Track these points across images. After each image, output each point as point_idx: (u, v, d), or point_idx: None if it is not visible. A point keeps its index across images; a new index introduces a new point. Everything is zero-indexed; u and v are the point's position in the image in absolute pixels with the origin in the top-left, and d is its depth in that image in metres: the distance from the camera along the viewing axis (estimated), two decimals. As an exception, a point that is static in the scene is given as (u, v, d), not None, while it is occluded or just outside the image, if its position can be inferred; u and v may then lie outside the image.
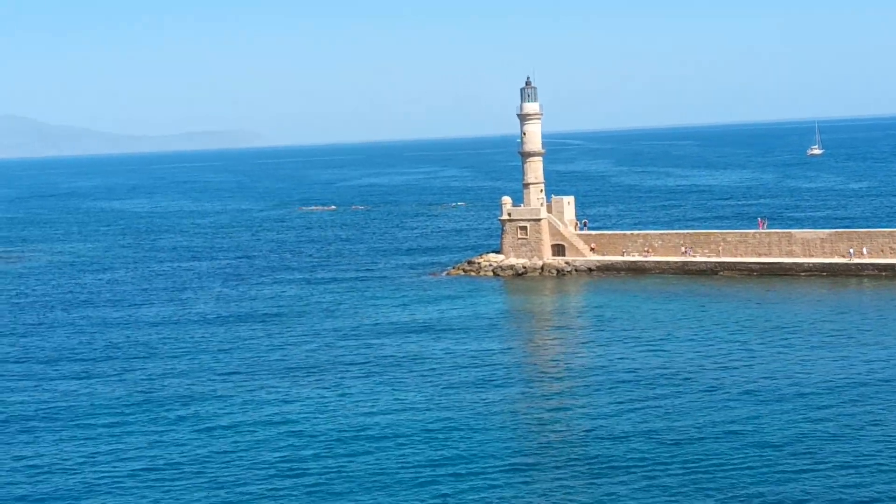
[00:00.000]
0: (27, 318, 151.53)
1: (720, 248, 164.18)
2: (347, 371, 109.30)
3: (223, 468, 79.68)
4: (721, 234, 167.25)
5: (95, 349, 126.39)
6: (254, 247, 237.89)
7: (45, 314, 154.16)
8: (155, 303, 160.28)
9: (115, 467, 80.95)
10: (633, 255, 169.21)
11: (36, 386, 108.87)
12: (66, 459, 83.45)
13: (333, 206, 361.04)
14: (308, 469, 78.67)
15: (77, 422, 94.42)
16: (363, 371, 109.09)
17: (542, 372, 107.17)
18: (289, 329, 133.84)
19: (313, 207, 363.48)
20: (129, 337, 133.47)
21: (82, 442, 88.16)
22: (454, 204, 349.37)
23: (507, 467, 77.34)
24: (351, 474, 77.17)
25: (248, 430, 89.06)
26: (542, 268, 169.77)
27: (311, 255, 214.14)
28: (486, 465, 77.78)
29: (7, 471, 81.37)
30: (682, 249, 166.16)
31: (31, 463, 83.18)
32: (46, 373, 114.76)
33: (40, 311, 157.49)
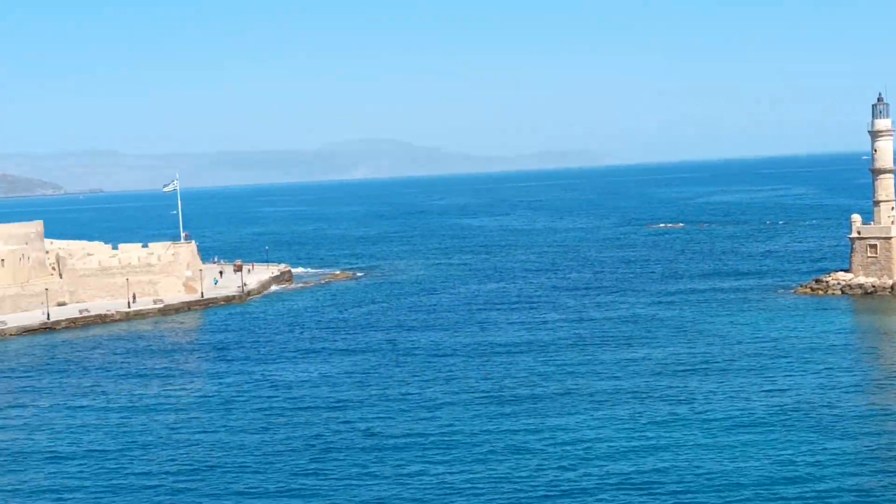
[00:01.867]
0: (377, 326, 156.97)
1: None
2: (703, 388, 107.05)
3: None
4: None
5: (449, 353, 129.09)
6: (601, 263, 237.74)
7: (404, 322, 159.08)
8: (506, 316, 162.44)
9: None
10: None
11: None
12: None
13: (681, 224, 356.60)
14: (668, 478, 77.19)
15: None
16: (718, 386, 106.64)
17: None
18: (641, 345, 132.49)
19: (661, 225, 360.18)
20: (484, 351, 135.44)
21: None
22: (802, 222, 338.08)
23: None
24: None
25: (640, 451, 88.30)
26: (892, 287, 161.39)
27: (657, 272, 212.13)
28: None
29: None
30: None
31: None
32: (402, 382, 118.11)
33: (392, 325, 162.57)
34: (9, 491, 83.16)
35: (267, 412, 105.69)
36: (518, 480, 79.96)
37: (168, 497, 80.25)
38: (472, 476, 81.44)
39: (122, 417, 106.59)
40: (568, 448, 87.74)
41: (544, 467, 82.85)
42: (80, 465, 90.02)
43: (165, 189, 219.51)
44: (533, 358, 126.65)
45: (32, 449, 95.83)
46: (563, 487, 78.02)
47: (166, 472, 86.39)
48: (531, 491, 77.63)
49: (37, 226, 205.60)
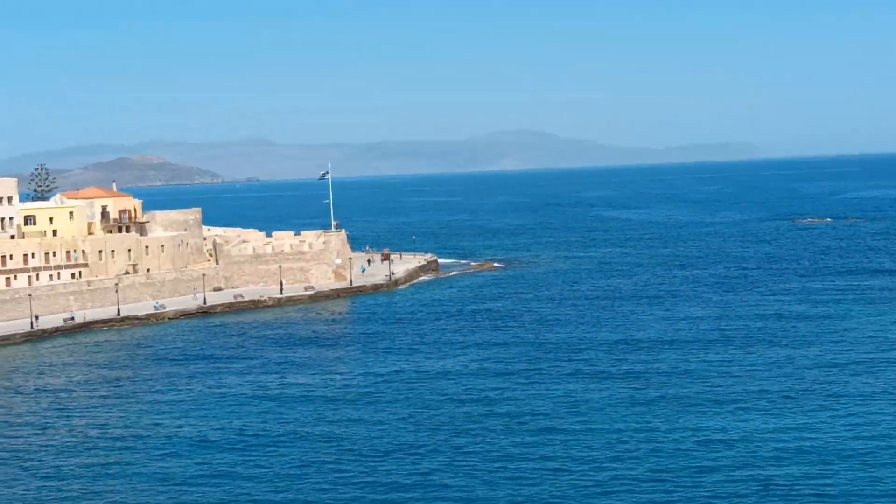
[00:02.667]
0: (521, 317, 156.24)
1: None
2: (855, 388, 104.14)
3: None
4: None
5: (591, 347, 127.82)
6: (745, 258, 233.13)
7: (540, 314, 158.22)
8: (647, 310, 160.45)
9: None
10: None
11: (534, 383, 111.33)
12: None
13: (829, 219, 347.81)
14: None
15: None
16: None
17: None
18: (786, 343, 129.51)
19: (808, 219, 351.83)
20: (626, 347, 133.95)
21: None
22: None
23: None
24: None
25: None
26: None
27: (803, 268, 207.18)
28: None
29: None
30: None
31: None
32: (555, 367, 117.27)
33: (533, 312, 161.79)
34: (159, 477, 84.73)
35: (410, 402, 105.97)
36: (663, 481, 78.66)
37: (315, 483, 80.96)
38: (613, 474, 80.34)
39: (273, 405, 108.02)
40: (715, 449, 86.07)
41: (687, 468, 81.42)
42: (230, 451, 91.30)
43: (322, 177, 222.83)
44: (675, 354, 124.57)
45: (183, 434, 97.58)
46: (705, 489, 76.62)
47: (313, 462, 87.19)
48: (676, 492, 76.33)
49: (195, 213, 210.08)
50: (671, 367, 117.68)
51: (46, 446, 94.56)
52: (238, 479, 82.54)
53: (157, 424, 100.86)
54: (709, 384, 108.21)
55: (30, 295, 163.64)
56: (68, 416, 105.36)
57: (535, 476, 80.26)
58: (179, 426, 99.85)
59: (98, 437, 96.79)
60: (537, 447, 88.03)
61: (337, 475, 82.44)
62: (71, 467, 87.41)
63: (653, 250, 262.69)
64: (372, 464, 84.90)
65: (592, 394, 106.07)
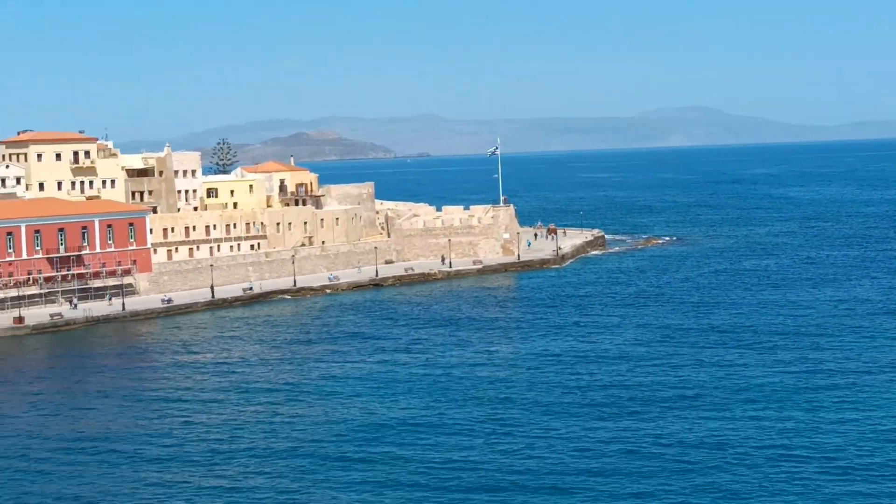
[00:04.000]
0: (687, 297, 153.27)
1: None
2: None
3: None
4: None
5: (755, 330, 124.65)
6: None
7: (704, 294, 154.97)
8: (818, 292, 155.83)
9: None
10: None
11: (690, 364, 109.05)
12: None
13: None
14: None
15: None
16: None
17: None
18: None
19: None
20: (790, 321, 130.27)
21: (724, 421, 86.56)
22: None
23: None
24: None
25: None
26: None
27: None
28: None
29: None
30: None
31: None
32: (709, 347, 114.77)
33: (699, 291, 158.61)
34: (334, 457, 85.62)
35: (573, 377, 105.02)
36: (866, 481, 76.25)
37: (480, 452, 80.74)
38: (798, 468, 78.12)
39: (442, 374, 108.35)
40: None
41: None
42: (396, 426, 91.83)
43: (489, 152, 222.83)
44: (853, 339, 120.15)
45: (350, 406, 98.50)
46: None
47: (475, 446, 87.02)
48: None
49: (368, 187, 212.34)
50: (844, 353, 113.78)
51: (222, 417, 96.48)
52: (406, 461, 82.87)
53: (329, 397, 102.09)
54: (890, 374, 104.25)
55: (211, 265, 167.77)
56: (245, 387, 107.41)
57: (703, 459, 78.58)
58: (344, 399, 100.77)
59: (274, 412, 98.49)
60: (710, 433, 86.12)
61: (494, 459, 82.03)
62: (248, 438, 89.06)
63: (818, 229, 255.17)
64: (537, 433, 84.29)
65: (763, 378, 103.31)
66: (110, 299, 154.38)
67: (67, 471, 79.88)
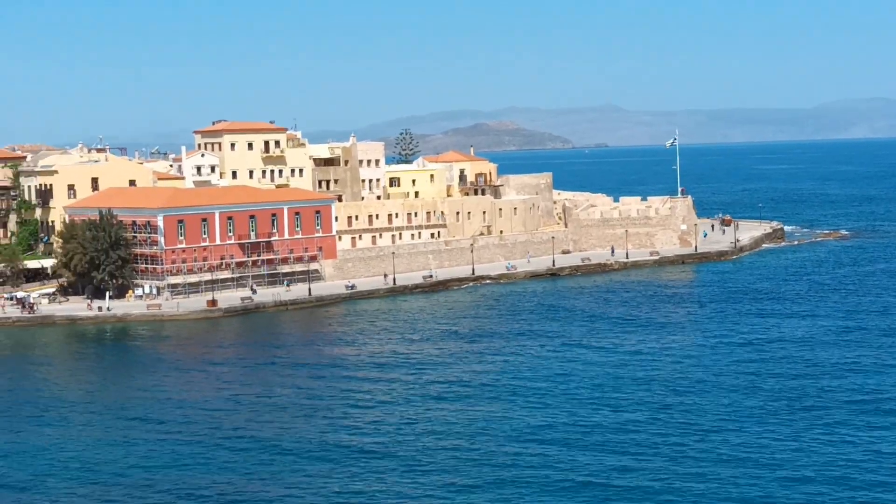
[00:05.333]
0: (868, 292, 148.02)
1: None
2: None
3: None
4: None
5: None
6: None
7: (890, 291, 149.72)
8: None
9: None
10: None
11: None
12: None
13: None
14: None
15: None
16: None
17: None
18: None
19: None
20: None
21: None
22: None
23: None
24: None
25: None
26: None
27: None
28: None
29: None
30: None
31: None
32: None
33: (884, 287, 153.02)
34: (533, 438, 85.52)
35: (747, 370, 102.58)
36: None
37: (622, 444, 79.59)
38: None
39: (619, 365, 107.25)
40: None
41: None
42: (564, 412, 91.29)
43: (668, 144, 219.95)
44: None
45: (518, 393, 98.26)
46: None
47: (629, 420, 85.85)
48: None
49: (546, 177, 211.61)
50: None
51: (401, 399, 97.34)
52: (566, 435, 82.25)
53: (506, 385, 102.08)
54: None
55: (393, 253, 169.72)
56: (425, 374, 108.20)
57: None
58: (507, 385, 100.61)
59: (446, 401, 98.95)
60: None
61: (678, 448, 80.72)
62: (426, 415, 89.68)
63: None
64: (707, 427, 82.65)
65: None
66: (288, 285, 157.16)
67: (249, 454, 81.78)
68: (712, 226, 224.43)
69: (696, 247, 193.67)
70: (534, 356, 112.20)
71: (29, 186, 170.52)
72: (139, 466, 78.07)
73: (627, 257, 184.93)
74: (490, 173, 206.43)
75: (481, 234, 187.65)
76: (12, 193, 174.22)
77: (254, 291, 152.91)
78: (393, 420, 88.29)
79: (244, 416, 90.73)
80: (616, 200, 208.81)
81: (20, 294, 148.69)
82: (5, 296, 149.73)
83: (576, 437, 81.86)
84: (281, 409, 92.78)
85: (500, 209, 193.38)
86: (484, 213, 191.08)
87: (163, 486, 73.63)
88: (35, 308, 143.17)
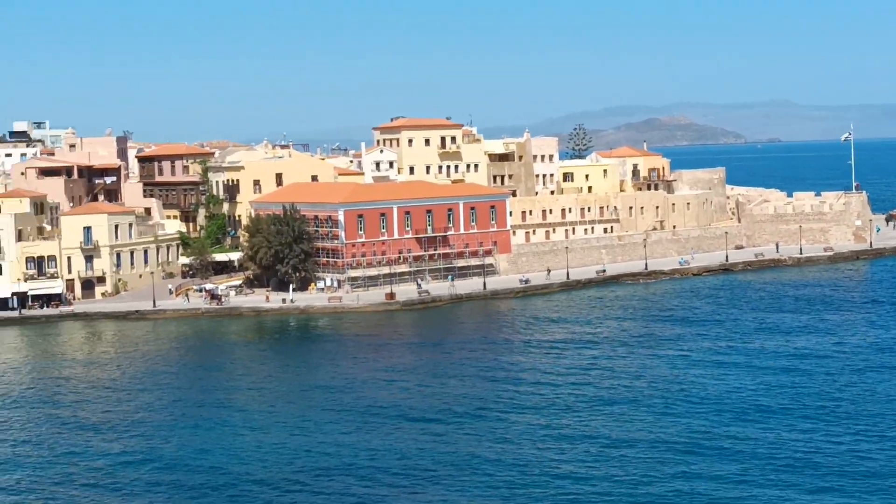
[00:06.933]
0: None
1: None
2: None
3: None
4: None
5: None
6: None
7: None
8: None
9: None
10: None
11: None
12: None
13: None
14: None
15: None
16: None
17: None
18: None
19: None
20: None
21: None
22: None
23: None
24: None
25: None
26: None
27: None
28: None
29: None
30: None
31: None
32: None
33: None
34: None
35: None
36: None
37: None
38: None
39: (794, 361, 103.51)
40: None
41: None
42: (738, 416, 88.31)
43: (843, 138, 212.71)
44: None
45: (702, 390, 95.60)
46: None
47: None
48: None
49: (719, 172, 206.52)
50: None
51: (583, 396, 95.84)
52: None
53: (677, 381, 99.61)
54: None
55: (566, 247, 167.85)
56: (597, 368, 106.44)
57: None
58: (696, 387, 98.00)
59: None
60: None
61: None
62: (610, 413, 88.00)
63: None
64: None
65: None
66: (452, 280, 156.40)
67: (424, 438, 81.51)
68: (886, 221, 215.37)
69: (871, 243, 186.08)
70: (706, 349, 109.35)
71: (217, 182, 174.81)
72: (319, 452, 78.64)
73: (801, 253, 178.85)
74: (663, 168, 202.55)
75: (654, 229, 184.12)
76: (201, 188, 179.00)
77: (418, 286, 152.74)
78: (584, 423, 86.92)
79: (424, 403, 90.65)
80: (789, 196, 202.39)
81: (209, 286, 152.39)
82: (195, 288, 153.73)
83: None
84: (459, 398, 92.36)
85: (673, 204, 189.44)
86: (657, 208, 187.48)
87: (346, 469, 73.90)
88: (223, 300, 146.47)
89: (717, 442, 77.97)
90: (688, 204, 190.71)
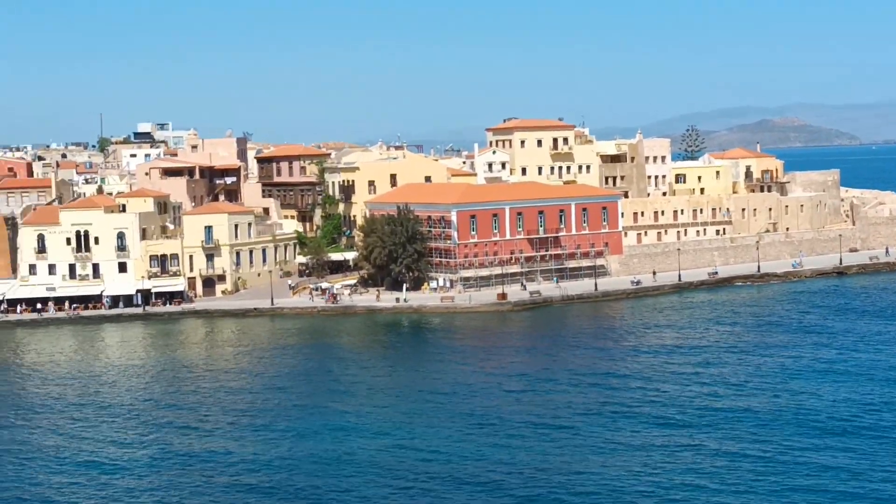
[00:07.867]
0: None
1: None
2: None
3: None
4: None
5: None
6: None
7: None
8: None
9: None
10: None
11: None
12: None
13: None
14: None
15: None
16: None
17: None
18: None
19: None
20: None
21: None
22: None
23: None
24: None
25: None
26: None
27: None
28: None
29: None
30: None
31: None
32: None
33: None
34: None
35: None
36: None
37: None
38: None
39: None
40: None
41: None
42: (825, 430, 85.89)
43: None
44: None
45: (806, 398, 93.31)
46: None
47: None
48: None
49: (833, 174, 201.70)
50: None
51: (692, 397, 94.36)
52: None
53: (786, 385, 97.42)
54: None
55: (678, 249, 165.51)
56: (706, 372, 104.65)
57: None
58: (800, 392, 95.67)
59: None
60: None
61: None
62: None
63: None
64: None
65: None
66: (558, 282, 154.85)
67: (533, 444, 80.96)
68: None
69: None
70: (813, 355, 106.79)
71: (333, 182, 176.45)
72: (435, 450, 78.66)
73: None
74: (776, 170, 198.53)
75: (767, 231, 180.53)
76: (318, 189, 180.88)
77: (523, 287, 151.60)
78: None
79: (533, 403, 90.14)
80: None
81: (324, 285, 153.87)
82: (311, 286, 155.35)
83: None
84: (568, 404, 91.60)
85: (787, 206, 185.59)
86: (770, 210, 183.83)
87: (453, 467, 73.83)
88: (338, 298, 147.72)
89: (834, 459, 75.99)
90: (801, 206, 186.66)
